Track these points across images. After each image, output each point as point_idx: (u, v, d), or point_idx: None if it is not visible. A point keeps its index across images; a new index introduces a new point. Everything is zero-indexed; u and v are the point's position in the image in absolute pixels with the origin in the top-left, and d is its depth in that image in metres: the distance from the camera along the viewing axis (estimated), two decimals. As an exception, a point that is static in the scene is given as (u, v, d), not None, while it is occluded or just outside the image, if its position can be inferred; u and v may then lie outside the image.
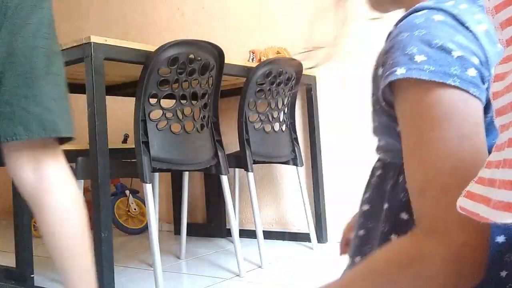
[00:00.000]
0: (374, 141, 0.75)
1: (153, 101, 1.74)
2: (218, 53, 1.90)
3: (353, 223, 0.73)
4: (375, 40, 2.55)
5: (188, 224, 2.37)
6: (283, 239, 2.63)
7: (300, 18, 2.57)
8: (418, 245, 0.50)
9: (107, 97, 1.64)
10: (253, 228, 2.15)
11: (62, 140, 1.02)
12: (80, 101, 1.98)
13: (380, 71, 0.60)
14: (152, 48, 1.73)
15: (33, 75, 0.93)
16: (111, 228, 1.61)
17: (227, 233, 2.77)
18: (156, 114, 1.75)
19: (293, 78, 2.31)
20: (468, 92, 0.50)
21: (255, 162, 2.17)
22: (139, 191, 3.11)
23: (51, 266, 2.27)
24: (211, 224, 2.89)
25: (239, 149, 2.17)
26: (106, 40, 1.61)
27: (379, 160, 0.70)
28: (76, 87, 2.32)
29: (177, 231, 2.72)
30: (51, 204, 0.99)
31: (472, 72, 0.51)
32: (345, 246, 0.81)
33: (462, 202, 0.50)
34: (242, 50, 2.70)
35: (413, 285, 0.51)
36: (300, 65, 2.28)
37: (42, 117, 0.93)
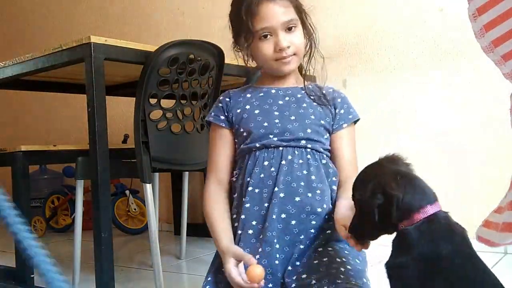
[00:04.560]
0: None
1: (153, 101, 1.74)
2: (218, 53, 1.90)
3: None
4: (375, 39, 2.56)
5: (188, 224, 2.37)
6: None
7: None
8: None
9: (107, 97, 1.64)
10: (253, 228, 2.15)
11: None
12: (80, 101, 1.98)
13: (336, 109, 1.26)
14: (152, 48, 1.72)
15: None
16: (111, 228, 1.61)
17: (227, 233, 2.77)
18: (156, 114, 1.75)
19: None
20: None
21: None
22: (139, 191, 3.11)
23: (51, 266, 2.27)
24: (211, 224, 2.88)
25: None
26: (106, 40, 1.61)
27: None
28: (76, 87, 2.32)
29: (177, 231, 2.71)
30: None
31: None
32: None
33: (480, 232, 0.52)
34: (242, 50, 2.69)
35: None
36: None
37: None
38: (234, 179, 1.22)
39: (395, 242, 0.86)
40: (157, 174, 2.36)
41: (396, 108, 2.30)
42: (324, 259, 1.04)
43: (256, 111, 1.22)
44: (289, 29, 1.18)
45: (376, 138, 2.28)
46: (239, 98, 1.27)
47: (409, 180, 0.84)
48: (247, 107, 1.23)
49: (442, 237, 0.79)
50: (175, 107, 1.80)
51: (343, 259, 1.04)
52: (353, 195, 0.91)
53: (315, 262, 1.05)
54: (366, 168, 0.92)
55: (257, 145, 1.18)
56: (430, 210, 0.81)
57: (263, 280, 1.01)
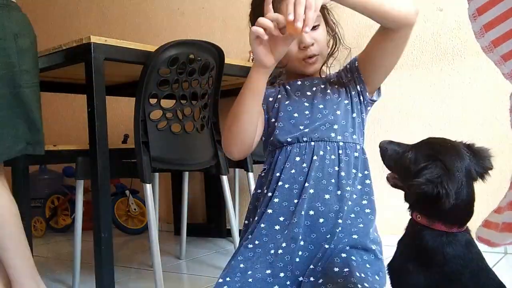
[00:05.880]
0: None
1: (153, 101, 1.74)
2: (218, 53, 1.90)
3: None
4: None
5: (188, 224, 2.37)
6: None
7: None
8: None
9: (107, 97, 1.64)
10: (253, 228, 2.15)
11: None
12: (80, 101, 1.98)
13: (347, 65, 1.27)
14: (152, 48, 1.73)
15: None
16: (111, 228, 1.61)
17: (227, 233, 2.77)
18: (156, 114, 1.75)
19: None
20: None
21: (255, 162, 2.17)
22: (139, 191, 3.11)
23: (51, 266, 2.27)
24: (211, 224, 2.89)
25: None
26: (106, 40, 1.61)
27: None
28: (76, 87, 2.32)
29: (177, 231, 2.72)
30: None
31: None
32: None
33: (479, 232, 0.53)
34: (242, 50, 2.70)
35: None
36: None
37: None
38: (263, 174, 1.20)
39: (405, 241, 0.84)
40: (157, 174, 2.37)
41: (396, 108, 2.30)
42: (345, 269, 1.00)
43: (286, 102, 1.21)
44: (313, 26, 1.15)
45: (375, 137, 2.28)
46: (272, 89, 1.26)
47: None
48: (279, 96, 1.23)
49: (457, 250, 0.78)
50: (175, 107, 1.80)
51: (362, 275, 1.00)
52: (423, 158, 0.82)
53: (335, 269, 1.01)
54: (455, 146, 0.85)
55: (289, 139, 1.16)
56: (455, 230, 0.80)
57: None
